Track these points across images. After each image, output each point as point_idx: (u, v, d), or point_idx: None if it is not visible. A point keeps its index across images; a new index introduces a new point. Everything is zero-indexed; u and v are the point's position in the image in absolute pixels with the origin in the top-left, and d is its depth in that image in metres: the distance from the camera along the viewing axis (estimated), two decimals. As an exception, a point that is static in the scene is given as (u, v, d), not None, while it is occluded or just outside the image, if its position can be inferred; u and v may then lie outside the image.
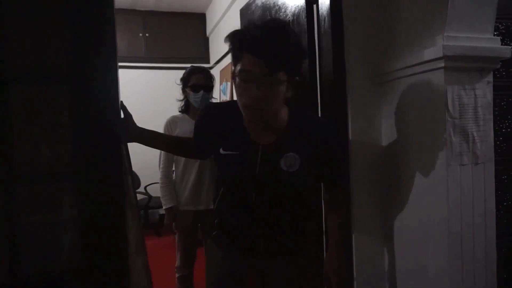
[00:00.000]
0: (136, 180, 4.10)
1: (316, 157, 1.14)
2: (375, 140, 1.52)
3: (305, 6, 1.58)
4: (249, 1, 2.12)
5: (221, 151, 1.16)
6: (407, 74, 1.34)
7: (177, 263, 2.17)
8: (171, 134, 2.09)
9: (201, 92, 2.07)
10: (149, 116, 4.25)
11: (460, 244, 1.22)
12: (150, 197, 4.12)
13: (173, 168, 2.18)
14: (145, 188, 4.17)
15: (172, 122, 2.13)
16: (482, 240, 1.24)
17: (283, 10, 1.76)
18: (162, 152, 2.15)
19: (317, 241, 1.59)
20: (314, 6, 1.57)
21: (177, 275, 2.17)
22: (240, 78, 1.03)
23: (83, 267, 1.06)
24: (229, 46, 1.07)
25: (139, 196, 4.20)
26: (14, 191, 1.01)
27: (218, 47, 4.25)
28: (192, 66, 2.19)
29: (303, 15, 1.59)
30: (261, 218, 1.17)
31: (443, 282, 1.23)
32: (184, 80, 2.14)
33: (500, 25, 1.44)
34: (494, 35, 1.25)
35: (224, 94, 4.00)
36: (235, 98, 1.11)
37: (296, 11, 1.65)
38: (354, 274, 1.50)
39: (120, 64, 1.13)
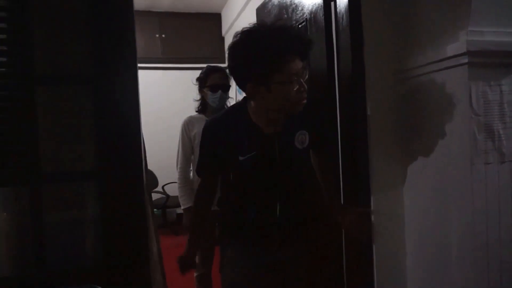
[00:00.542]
0: (153, 180, 4.15)
1: (314, 128, 1.26)
2: (395, 139, 1.50)
3: (322, 4, 1.56)
4: (265, 0, 2.11)
5: (240, 158, 1.18)
6: (429, 71, 1.31)
7: (196, 260, 2.19)
8: (188, 135, 2.11)
9: (219, 92, 2.07)
10: (166, 116, 4.32)
11: (486, 245, 1.18)
12: (167, 196, 4.16)
13: (191, 168, 2.19)
14: (162, 187, 4.22)
15: (189, 123, 2.15)
16: (509, 241, 1.20)
17: (300, 8, 1.74)
18: (180, 151, 2.17)
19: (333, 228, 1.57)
20: (332, 3, 1.55)
21: (195, 274, 2.19)
22: (292, 81, 1.10)
23: (106, 263, 1.08)
24: (269, 56, 1.09)
25: (157, 196, 4.26)
26: (39, 190, 1.04)
27: (234, 46, 4.25)
28: (208, 66, 2.19)
29: (321, 13, 1.58)
30: (284, 207, 1.22)
31: (468, 283, 1.20)
32: (201, 80, 2.15)
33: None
34: (520, 29, 1.21)
35: (240, 93, 4.01)
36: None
37: (314, 9, 1.63)
38: (375, 274, 1.48)
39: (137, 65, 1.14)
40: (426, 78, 1.34)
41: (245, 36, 1.13)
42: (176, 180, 2.17)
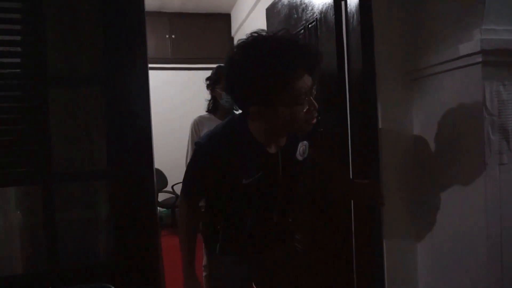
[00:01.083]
0: (163, 179, 4.18)
1: (314, 133, 1.16)
2: (406, 139, 1.48)
3: (332, 3, 1.55)
4: (274, 0, 2.11)
5: (244, 181, 1.04)
6: (441, 70, 1.29)
7: (204, 261, 2.19)
8: (198, 134, 2.11)
9: (233, 92, 2.06)
10: (176, 116, 4.34)
11: (499, 247, 1.16)
12: (177, 196, 4.18)
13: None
14: (172, 187, 4.24)
15: (199, 122, 2.15)
16: (524, 243, 1.18)
17: (309, 8, 1.74)
18: (189, 151, 2.17)
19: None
20: (342, 3, 1.54)
21: (204, 273, 2.19)
22: (302, 102, 0.94)
23: (116, 261, 1.09)
24: (272, 74, 0.91)
25: (167, 195, 4.28)
26: (51, 189, 1.05)
27: (243, 47, 4.25)
28: (219, 65, 2.18)
29: (331, 12, 1.57)
30: (283, 220, 1.19)
31: (481, 284, 1.18)
32: (213, 80, 2.14)
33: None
34: (536, 27, 1.18)
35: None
36: None
37: (324, 9, 1.62)
38: (385, 274, 1.47)
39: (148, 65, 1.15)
40: (439, 78, 1.32)
41: (242, 50, 0.95)
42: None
